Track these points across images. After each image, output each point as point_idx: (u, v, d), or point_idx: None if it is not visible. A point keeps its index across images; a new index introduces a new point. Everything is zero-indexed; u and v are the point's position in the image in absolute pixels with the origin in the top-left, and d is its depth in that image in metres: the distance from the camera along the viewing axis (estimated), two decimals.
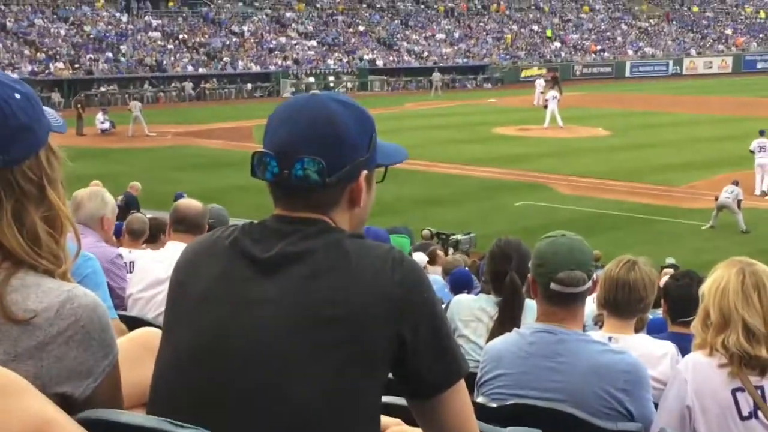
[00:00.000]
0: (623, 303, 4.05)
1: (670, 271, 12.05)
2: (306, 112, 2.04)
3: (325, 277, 1.94)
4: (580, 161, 30.52)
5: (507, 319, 4.31)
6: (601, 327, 4.51)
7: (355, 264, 1.95)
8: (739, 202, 21.47)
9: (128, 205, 17.55)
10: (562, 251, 3.30)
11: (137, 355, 2.19)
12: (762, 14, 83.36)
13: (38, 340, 1.78)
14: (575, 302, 3.32)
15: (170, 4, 62.77)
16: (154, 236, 8.29)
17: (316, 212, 2.04)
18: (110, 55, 53.95)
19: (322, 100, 2.06)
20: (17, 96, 1.87)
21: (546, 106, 40.41)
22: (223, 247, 2.04)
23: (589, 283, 3.30)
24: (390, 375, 2.02)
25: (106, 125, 37.52)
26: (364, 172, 2.06)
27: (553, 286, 3.28)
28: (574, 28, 76.07)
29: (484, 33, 71.49)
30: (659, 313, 5.54)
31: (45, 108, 2.00)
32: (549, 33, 73.75)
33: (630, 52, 73.26)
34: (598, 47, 72.55)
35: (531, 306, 4.12)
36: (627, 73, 69.30)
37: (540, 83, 49.68)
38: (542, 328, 3.33)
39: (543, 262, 3.32)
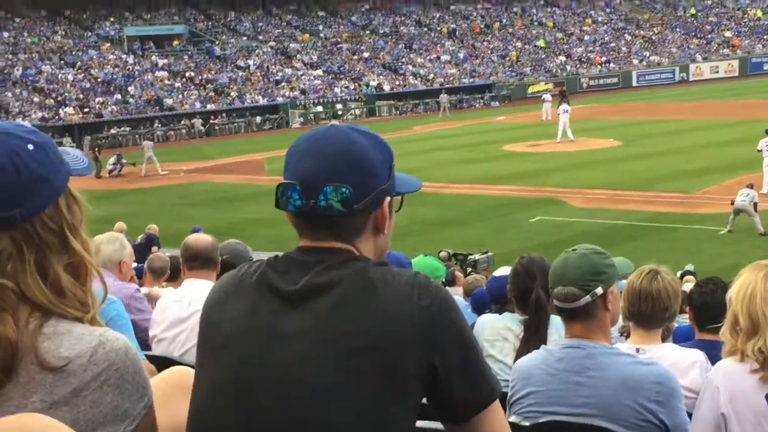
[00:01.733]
0: (648, 313, 4.05)
1: (691, 278, 12.01)
2: (328, 142, 2.06)
3: (353, 307, 1.95)
4: (593, 173, 30.47)
5: (533, 336, 4.30)
6: (627, 338, 4.50)
7: (381, 292, 1.96)
8: (755, 204, 21.36)
9: (150, 243, 17.68)
10: (560, 267, 3.35)
11: (171, 395, 2.20)
12: (760, 13, 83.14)
13: (73, 386, 1.79)
14: (588, 317, 3.30)
15: (175, 43, 63.19)
16: (174, 274, 8.30)
17: (341, 241, 2.05)
18: (119, 96, 54.34)
19: (343, 131, 2.09)
20: (30, 147, 1.87)
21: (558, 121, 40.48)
22: (250, 283, 2.06)
23: (587, 298, 3.27)
24: (424, 400, 2.02)
25: (111, 167, 37.70)
26: (388, 199, 2.09)
27: (554, 302, 3.33)
28: (577, 41, 76.21)
29: (489, 51, 71.72)
30: (685, 320, 5.50)
31: (70, 150, 2.00)
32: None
33: (635, 62, 73.27)
34: (603, 59, 72.60)
35: (556, 322, 4.11)
36: (634, 83, 69.31)
37: (547, 98, 49.74)
38: (569, 343, 3.33)
39: (550, 279, 3.39)
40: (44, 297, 1.84)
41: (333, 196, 2.00)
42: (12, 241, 1.84)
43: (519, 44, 73.75)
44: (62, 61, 57.46)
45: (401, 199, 2.21)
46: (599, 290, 3.27)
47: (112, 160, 38.10)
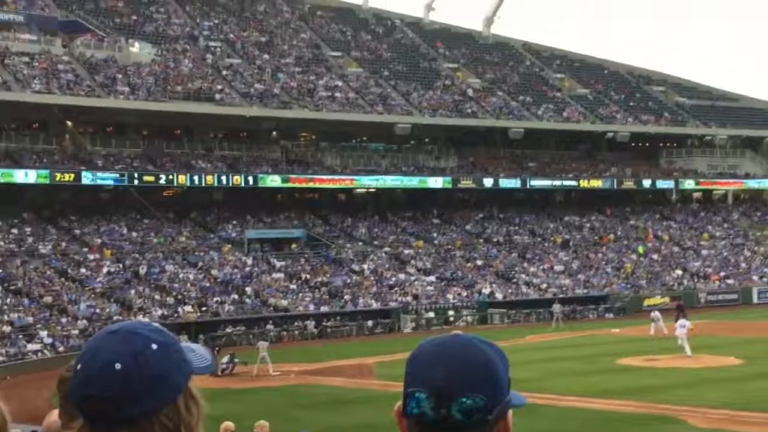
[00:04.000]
0: None
1: None
2: (459, 352, 2.02)
3: None
4: (713, 392, 29.25)
5: None
6: None
7: None
8: None
9: None
10: None
11: None
12: None
13: None
14: None
15: (293, 246, 64.96)
16: None
17: None
18: (236, 296, 55.67)
19: (471, 340, 2.05)
20: (154, 346, 1.90)
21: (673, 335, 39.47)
22: None
23: None
24: None
25: (224, 366, 38.22)
26: (510, 412, 2.05)
27: None
28: (694, 255, 75.14)
29: (603, 263, 71.24)
30: None
31: (195, 346, 2.04)
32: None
33: (755, 278, 71.56)
34: (722, 274, 71.16)
35: None
36: (755, 300, 67.46)
37: (656, 315, 48.67)
38: None
39: None
40: None
41: (467, 406, 1.95)
42: None
43: (633, 256, 73.14)
44: (185, 261, 59.52)
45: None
46: None
47: (225, 359, 38.70)
